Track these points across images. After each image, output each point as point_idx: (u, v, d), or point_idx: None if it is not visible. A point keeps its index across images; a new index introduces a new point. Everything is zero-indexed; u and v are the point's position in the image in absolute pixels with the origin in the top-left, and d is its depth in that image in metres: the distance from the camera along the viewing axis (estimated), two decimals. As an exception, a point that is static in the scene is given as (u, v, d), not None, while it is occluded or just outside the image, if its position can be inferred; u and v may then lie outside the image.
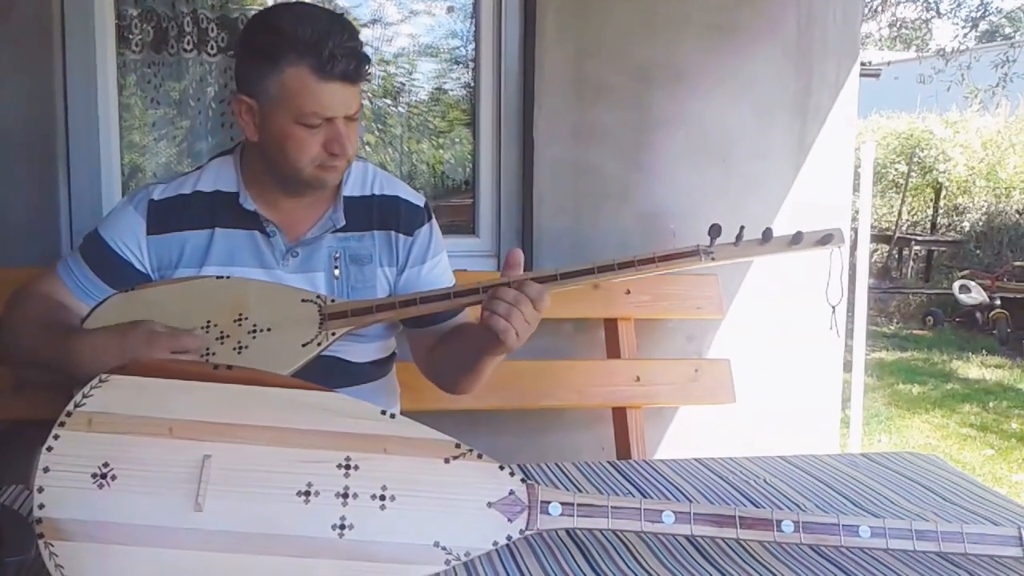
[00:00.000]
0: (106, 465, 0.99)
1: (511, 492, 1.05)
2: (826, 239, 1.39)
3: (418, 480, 1.03)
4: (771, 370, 2.69)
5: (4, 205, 2.29)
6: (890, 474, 1.53)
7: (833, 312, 1.52)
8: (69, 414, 1.01)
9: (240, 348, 1.47)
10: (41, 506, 0.97)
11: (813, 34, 2.63)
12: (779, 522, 1.08)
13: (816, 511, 1.35)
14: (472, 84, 2.65)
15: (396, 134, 2.77)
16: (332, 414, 1.05)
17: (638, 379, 2.36)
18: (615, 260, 1.42)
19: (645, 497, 1.39)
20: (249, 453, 1.01)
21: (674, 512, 1.06)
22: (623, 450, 2.34)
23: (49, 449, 0.99)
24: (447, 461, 1.05)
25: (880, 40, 16.43)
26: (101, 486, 0.98)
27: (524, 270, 2.41)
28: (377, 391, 1.69)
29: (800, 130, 2.67)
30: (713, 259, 1.40)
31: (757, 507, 1.36)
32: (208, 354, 1.45)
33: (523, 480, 1.06)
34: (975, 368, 6.34)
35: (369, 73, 1.50)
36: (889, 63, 12.74)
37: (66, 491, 0.97)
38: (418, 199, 1.70)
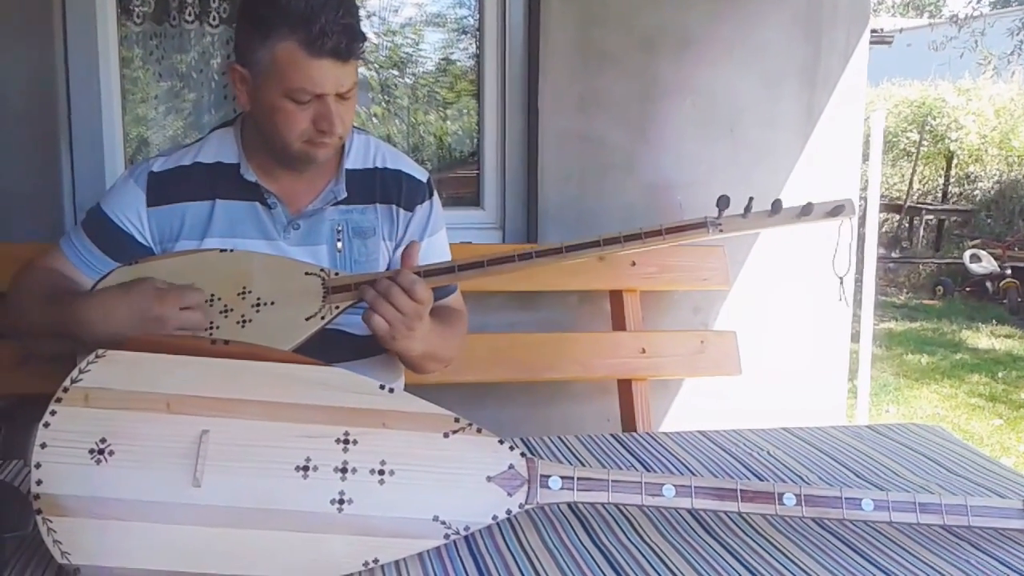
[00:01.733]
0: (103, 441, 0.98)
1: (510, 466, 1.04)
2: (837, 210, 1.37)
3: (417, 455, 1.02)
4: (778, 341, 2.68)
5: (6, 179, 2.28)
6: (895, 446, 1.52)
7: (841, 283, 1.50)
8: (66, 389, 1.01)
9: (244, 321, 1.47)
10: (39, 482, 0.97)
11: (822, 1, 2.58)
12: (781, 495, 1.07)
13: (820, 484, 1.34)
14: (479, 52, 2.61)
15: (403, 105, 2.74)
16: (331, 389, 1.04)
17: (643, 351, 2.34)
18: (621, 233, 1.40)
19: (648, 470, 1.39)
20: (247, 428, 1.01)
21: (675, 485, 1.06)
22: (628, 422, 2.34)
23: (46, 425, 0.99)
24: (446, 436, 1.04)
25: (893, 7, 16.21)
26: (99, 462, 0.98)
27: (529, 242, 2.41)
28: (380, 364, 1.69)
29: (809, 99, 2.63)
30: (721, 231, 1.38)
31: (760, 480, 1.36)
32: (212, 327, 1.45)
33: (523, 454, 1.05)
34: (984, 338, 6.31)
35: (363, 51, 1.48)
36: (902, 30, 12.56)
37: (63, 467, 0.97)
38: (421, 174, 1.68)
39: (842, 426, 1.62)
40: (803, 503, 1.07)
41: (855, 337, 2.87)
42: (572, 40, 2.46)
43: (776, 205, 1.37)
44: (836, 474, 1.38)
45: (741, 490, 1.07)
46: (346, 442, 1.02)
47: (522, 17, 2.49)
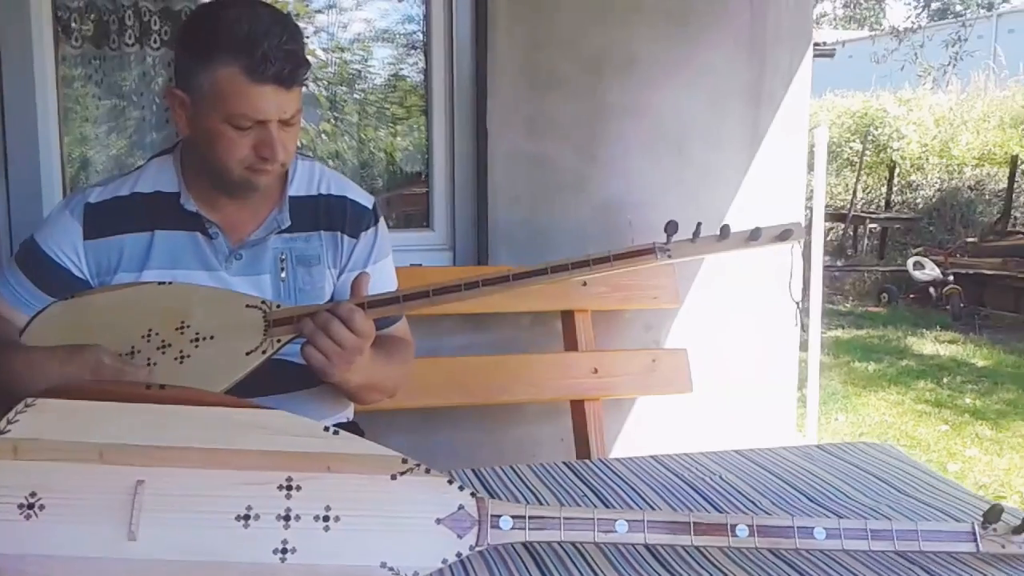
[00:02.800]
0: (33, 495, 0.94)
1: (460, 507, 1.02)
2: (785, 235, 1.38)
3: (363, 499, 1.00)
4: (728, 356, 2.70)
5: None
6: (845, 466, 1.53)
7: (798, 308, 1.52)
8: (-8, 442, 0.96)
9: (182, 357, 1.42)
10: (-36, 541, 0.92)
11: (766, 20, 2.62)
12: (734, 527, 1.06)
13: (772, 508, 1.34)
14: (427, 68, 2.59)
15: (352, 122, 2.71)
16: (271, 432, 1.01)
17: (596, 371, 2.34)
18: (569, 260, 1.39)
19: (601, 499, 1.38)
20: (184, 477, 0.97)
21: (627, 521, 1.04)
22: (582, 443, 2.33)
23: (-28, 480, 0.94)
24: (393, 477, 1.02)
25: (835, 19, 16.58)
26: (28, 517, 0.93)
27: (480, 263, 2.39)
28: (327, 394, 1.65)
29: (754, 118, 2.66)
30: (670, 257, 1.38)
31: (713, 505, 1.36)
32: (150, 363, 1.40)
33: (473, 494, 1.03)
34: (929, 344, 6.44)
35: (307, 77, 1.45)
36: (844, 44, 12.85)
37: (-9, 524, 0.93)
38: (367, 200, 1.66)
39: (793, 447, 1.62)
40: (756, 534, 1.06)
41: (803, 346, 2.90)
42: (519, 62, 2.46)
43: (724, 230, 1.37)
44: (788, 497, 1.38)
45: (694, 523, 1.06)
46: (289, 488, 0.99)
47: (469, 34, 2.48)
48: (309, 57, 1.46)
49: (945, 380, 5.44)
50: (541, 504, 1.35)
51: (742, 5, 2.60)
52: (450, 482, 1.03)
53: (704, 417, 2.64)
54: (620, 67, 2.53)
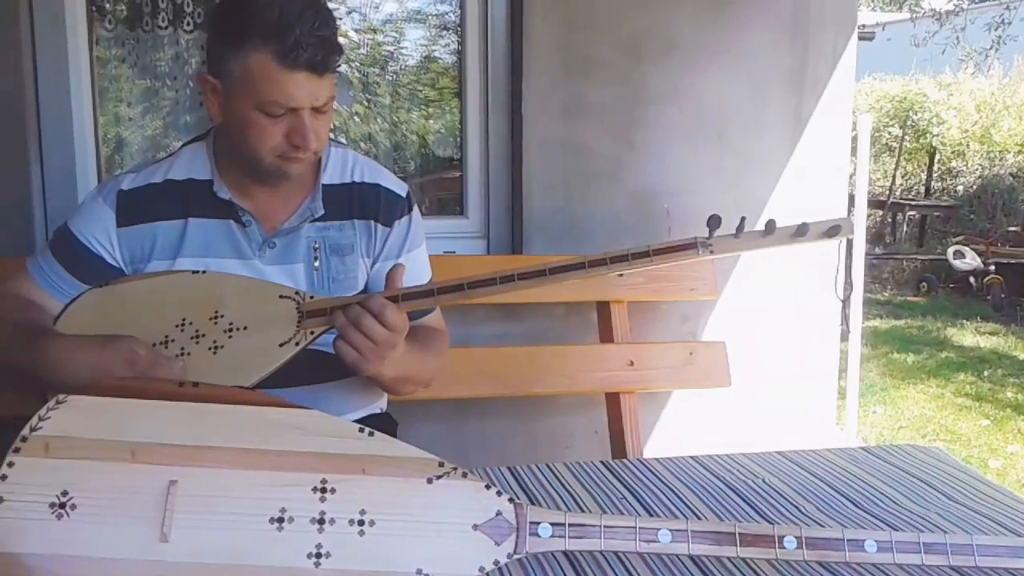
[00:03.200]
0: (65, 494, 0.92)
1: (498, 513, 0.99)
2: (833, 230, 1.32)
3: (399, 503, 0.97)
4: (767, 349, 2.64)
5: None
6: (892, 470, 1.48)
7: (844, 307, 1.46)
8: (24, 439, 0.95)
9: (216, 348, 1.41)
10: (-5, 540, 0.91)
11: (809, 3, 2.54)
12: (781, 538, 1.02)
13: (817, 514, 1.30)
14: (461, 49, 2.54)
15: (384, 104, 2.68)
16: (307, 433, 0.99)
17: (632, 363, 2.30)
18: (607, 254, 1.34)
19: (640, 501, 1.34)
20: (218, 478, 0.95)
21: (670, 530, 1.01)
22: (616, 436, 2.29)
23: (3, 478, 0.93)
24: (429, 481, 0.99)
25: (873, 1, 16.25)
26: (60, 516, 0.92)
27: (514, 253, 2.35)
28: (363, 384, 1.64)
29: (796, 104, 2.59)
30: (712, 252, 1.33)
31: (756, 510, 1.32)
32: (183, 353, 1.39)
33: (511, 500, 1.00)
34: (969, 335, 6.31)
35: (339, 64, 1.42)
36: (884, 27, 12.57)
37: (22, 523, 0.91)
38: (400, 188, 1.63)
39: (837, 449, 1.57)
40: (804, 546, 1.02)
41: (842, 336, 2.83)
42: (556, 46, 2.41)
43: (770, 225, 1.32)
44: (834, 503, 1.34)
45: (740, 533, 1.02)
46: (323, 491, 0.96)
47: (504, 15, 2.44)
48: (341, 39, 1.43)
49: (986, 373, 5.33)
50: (578, 505, 1.32)
51: (785, -13, 2.53)
52: (488, 487, 1.00)
53: (741, 410, 2.60)
54: (659, 51, 2.47)
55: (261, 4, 1.35)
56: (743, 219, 1.32)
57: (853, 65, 2.65)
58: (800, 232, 1.32)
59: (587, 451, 2.54)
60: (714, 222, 1.31)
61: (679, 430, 2.61)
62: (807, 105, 2.59)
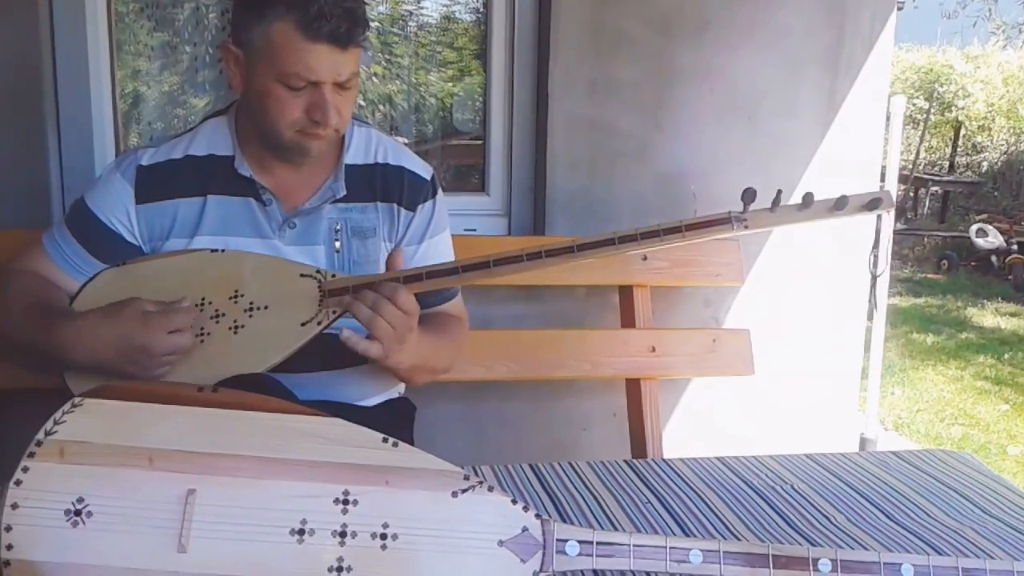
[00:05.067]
0: (80, 500, 0.90)
1: (524, 529, 0.96)
2: (873, 203, 1.27)
3: (423, 516, 0.94)
4: (789, 336, 2.59)
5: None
6: (924, 478, 1.44)
7: (874, 283, 1.41)
8: (39, 443, 0.92)
9: (236, 328, 1.39)
10: (9, 547, 0.88)
11: (848, -21, 2.45)
12: (816, 560, 0.99)
13: (848, 525, 1.27)
14: (483, 10, 2.46)
15: (403, 64, 2.62)
16: (328, 442, 0.95)
17: (653, 349, 2.25)
18: (638, 230, 1.30)
19: (663, 502, 1.32)
20: (237, 487, 0.92)
21: (702, 551, 0.97)
22: (636, 422, 2.26)
23: (18, 483, 0.90)
24: (454, 495, 0.96)
25: (902, -33, 15.88)
26: (75, 524, 0.89)
27: (536, 233, 2.30)
28: (379, 369, 1.61)
29: (831, 84, 2.51)
30: (746, 227, 1.28)
31: (784, 518, 1.28)
32: (204, 334, 1.37)
33: (537, 515, 0.97)
34: (990, 316, 6.24)
35: (364, 38, 1.38)
36: (913, -6, 12.28)
37: (37, 530, 0.89)
38: (424, 171, 1.59)
39: (866, 452, 1.54)
40: (839, 569, 0.99)
41: (868, 314, 2.77)
42: (584, 21, 2.33)
43: (807, 198, 1.27)
44: (863, 513, 1.31)
45: (773, 555, 0.98)
46: (345, 502, 0.93)
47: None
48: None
49: (1006, 356, 5.26)
50: (601, 506, 1.30)
51: (823, -37, 2.44)
52: (514, 502, 0.97)
53: (762, 396, 2.56)
54: (691, 28, 2.39)
55: None
56: (779, 192, 1.27)
57: (891, 44, 2.56)
58: (839, 205, 1.27)
59: (605, 434, 2.51)
60: (749, 195, 1.26)
61: (700, 416, 2.57)
62: (841, 86, 2.51)
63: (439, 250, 1.61)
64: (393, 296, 1.29)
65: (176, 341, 1.28)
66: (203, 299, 1.41)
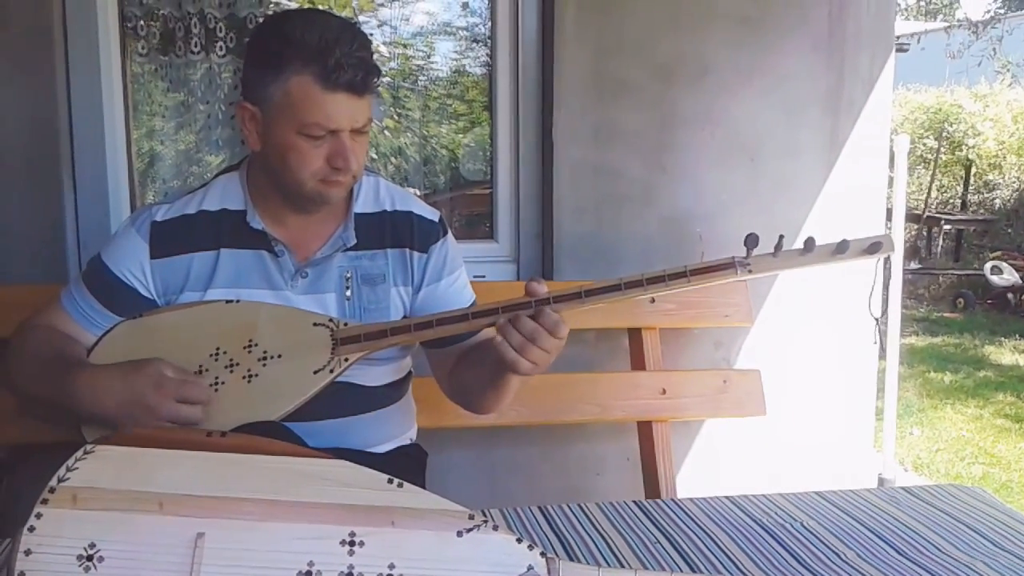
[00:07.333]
0: (92, 546, 0.91)
1: (529, 568, 0.96)
2: (874, 247, 1.29)
3: (429, 557, 0.95)
4: (801, 375, 2.59)
5: (6, 218, 2.22)
6: (934, 513, 1.43)
7: (876, 325, 1.42)
8: (52, 490, 0.94)
9: (250, 376, 1.41)
10: (23, 593, 0.90)
11: (846, 26, 2.50)
12: (822, 595, 0.99)
13: (857, 560, 1.26)
14: (491, 63, 2.53)
15: (415, 118, 2.68)
16: (334, 484, 0.97)
17: (664, 391, 2.26)
18: (644, 275, 1.33)
19: (673, 543, 1.31)
20: (245, 530, 0.93)
21: (708, 587, 0.98)
22: (649, 465, 2.26)
23: (31, 529, 0.92)
24: (460, 535, 0.97)
25: (906, 9, 16.08)
26: (87, 569, 0.91)
27: (544, 279, 2.32)
28: (393, 415, 1.63)
29: (832, 126, 2.54)
30: (750, 272, 1.30)
31: (793, 555, 1.28)
32: (218, 383, 1.39)
33: (543, 554, 0.97)
34: (1008, 354, 6.18)
35: (378, 85, 1.42)
36: (918, 37, 12.42)
37: (50, 575, 0.90)
38: (432, 214, 1.62)
39: (877, 489, 1.53)
40: (847, 604, 0.99)
41: (880, 354, 2.76)
42: (586, 71, 2.39)
43: (809, 243, 1.29)
44: (875, 550, 1.30)
45: (779, 591, 0.98)
46: (352, 544, 0.94)
47: (536, 29, 2.42)
48: (374, 54, 1.43)
49: (1026, 393, 5.21)
50: (610, 548, 1.30)
51: (821, 8, 2.49)
52: (519, 540, 0.97)
53: (776, 436, 2.55)
54: (692, 74, 2.44)
55: (300, 28, 1.37)
56: (781, 237, 1.29)
57: (890, 85, 2.60)
58: (840, 249, 1.29)
59: (618, 478, 2.50)
60: (752, 241, 1.28)
61: (713, 458, 2.56)
62: (843, 127, 2.55)
63: (458, 287, 1.63)
64: (554, 328, 1.33)
65: (184, 412, 1.30)
66: (217, 348, 1.43)
